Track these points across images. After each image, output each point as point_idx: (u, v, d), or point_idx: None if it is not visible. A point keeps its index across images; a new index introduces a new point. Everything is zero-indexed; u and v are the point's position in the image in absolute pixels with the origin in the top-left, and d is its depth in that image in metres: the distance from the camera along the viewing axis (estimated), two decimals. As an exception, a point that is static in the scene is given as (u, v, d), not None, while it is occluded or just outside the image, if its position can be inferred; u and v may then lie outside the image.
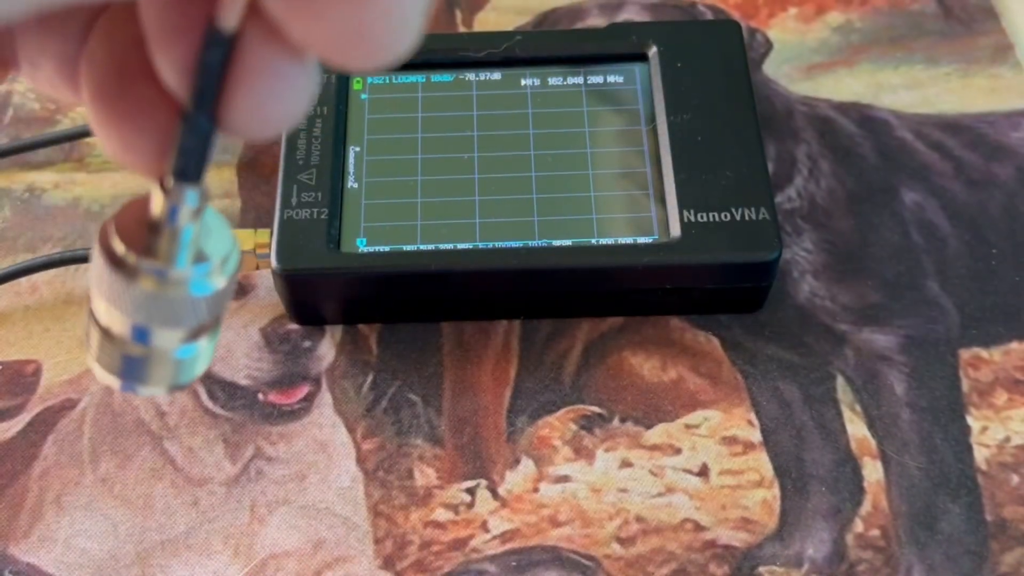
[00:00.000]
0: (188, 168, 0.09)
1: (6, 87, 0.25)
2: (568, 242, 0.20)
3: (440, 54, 0.23)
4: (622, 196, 0.21)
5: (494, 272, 0.20)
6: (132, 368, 0.10)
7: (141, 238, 0.09)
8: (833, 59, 0.26)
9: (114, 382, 0.10)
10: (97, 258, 0.09)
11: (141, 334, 0.10)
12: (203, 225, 0.09)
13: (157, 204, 0.09)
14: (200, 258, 0.09)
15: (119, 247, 0.09)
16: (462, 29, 0.26)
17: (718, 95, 0.22)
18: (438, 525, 0.18)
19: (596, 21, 0.26)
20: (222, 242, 0.10)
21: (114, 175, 0.23)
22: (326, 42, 0.07)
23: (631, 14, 0.26)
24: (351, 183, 0.20)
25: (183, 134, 0.09)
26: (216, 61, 0.08)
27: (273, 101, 0.08)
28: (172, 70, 0.09)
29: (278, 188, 0.20)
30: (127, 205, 0.10)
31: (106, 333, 0.10)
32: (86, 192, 0.23)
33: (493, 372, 0.21)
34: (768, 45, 0.26)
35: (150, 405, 0.19)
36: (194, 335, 0.10)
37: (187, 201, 0.09)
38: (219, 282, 0.10)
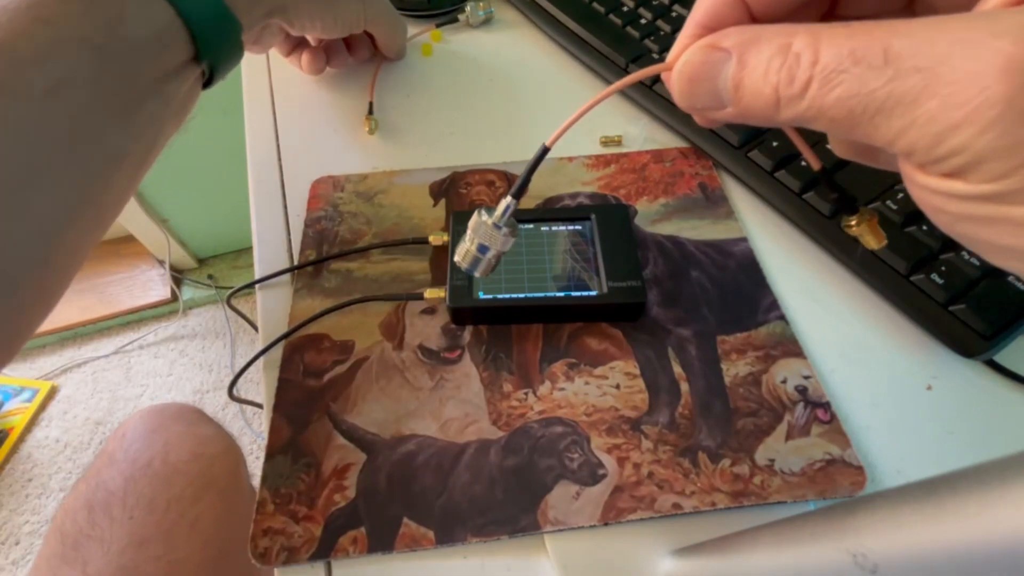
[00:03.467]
0: (517, 193, 0.20)
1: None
2: (562, 294, 0.26)
3: None
4: (583, 275, 0.27)
5: (533, 306, 0.26)
6: (473, 264, 0.21)
7: (490, 214, 0.21)
8: (661, 217, 0.31)
9: (467, 268, 0.21)
10: (475, 217, 0.21)
11: (482, 248, 0.21)
12: (509, 218, 0.21)
13: (503, 204, 0.20)
14: (508, 226, 0.21)
15: (486, 217, 0.21)
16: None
17: (618, 233, 0.28)
18: (512, 407, 0.25)
19: (568, 202, 0.32)
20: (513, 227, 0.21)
21: (386, 265, 0.30)
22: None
23: (583, 199, 0.32)
24: None
25: (523, 176, 0.19)
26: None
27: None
28: None
29: (448, 269, 0.27)
30: (486, 206, 0.21)
31: (468, 251, 0.21)
32: (372, 271, 0.29)
33: (532, 344, 0.27)
34: (635, 211, 0.31)
35: (397, 358, 0.26)
36: (496, 256, 0.21)
37: (512, 205, 0.20)
38: (504, 236, 0.21)
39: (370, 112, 0.38)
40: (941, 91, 0.09)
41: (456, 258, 0.21)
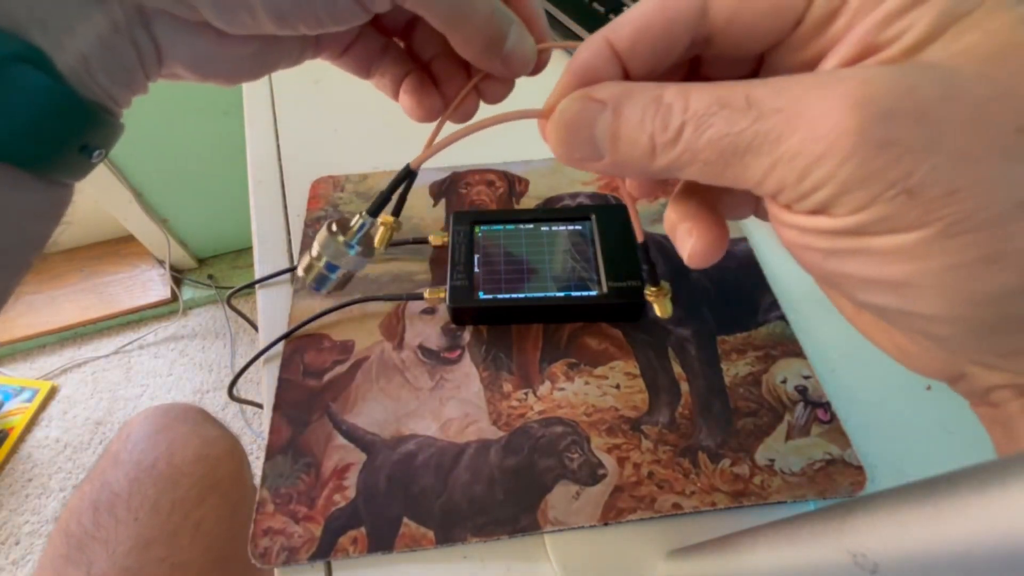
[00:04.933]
0: (373, 211, 0.16)
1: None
2: (562, 294, 0.26)
3: (509, 217, 0.29)
4: (583, 275, 0.27)
5: (533, 306, 0.26)
6: (319, 281, 0.17)
7: (344, 230, 0.17)
8: (661, 218, 0.27)
9: (311, 284, 0.17)
10: (324, 231, 0.17)
11: (330, 266, 0.17)
12: (364, 236, 0.17)
13: (357, 219, 0.17)
14: (362, 244, 0.17)
15: (336, 231, 0.17)
16: (516, 207, 0.32)
17: (618, 233, 0.28)
18: (512, 407, 0.25)
19: (568, 202, 0.32)
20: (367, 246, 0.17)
21: (385, 265, 0.29)
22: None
23: (583, 199, 0.32)
24: (476, 269, 0.27)
25: (382, 193, 0.15)
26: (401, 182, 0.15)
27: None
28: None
29: (448, 269, 0.27)
30: (340, 219, 0.17)
31: (313, 265, 0.17)
32: (371, 271, 0.29)
33: (532, 344, 0.27)
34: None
35: (397, 358, 0.26)
36: (345, 276, 0.17)
37: (367, 223, 0.16)
38: (356, 256, 0.17)
39: (395, 212, 0.19)
40: (801, 127, 0.10)
41: (299, 271, 0.18)
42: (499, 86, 0.18)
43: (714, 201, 0.15)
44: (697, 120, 0.11)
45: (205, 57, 0.15)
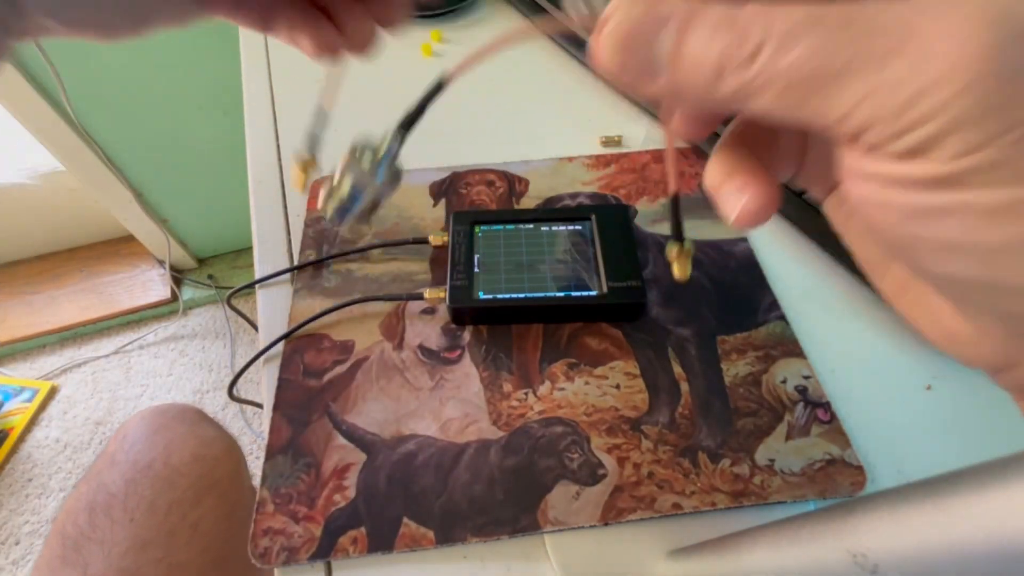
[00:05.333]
0: (407, 125, 0.14)
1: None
2: (562, 294, 0.26)
3: (509, 216, 0.30)
4: (583, 275, 0.27)
5: (533, 306, 0.26)
6: (341, 213, 0.15)
7: (370, 151, 0.14)
8: (661, 218, 0.31)
9: (332, 221, 0.15)
10: (348, 155, 0.15)
11: (355, 194, 0.14)
12: (394, 158, 0.14)
13: (386, 137, 0.14)
14: (390, 167, 0.15)
15: (361, 152, 0.14)
16: (516, 207, 0.32)
17: (618, 233, 0.28)
18: (512, 407, 0.25)
19: (568, 202, 0.32)
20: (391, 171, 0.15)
21: (385, 265, 0.29)
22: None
23: (583, 199, 0.32)
24: (476, 269, 0.27)
25: (414, 108, 0.13)
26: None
27: None
28: None
29: (448, 269, 0.27)
30: (363, 141, 0.15)
31: (333, 192, 0.15)
32: (371, 271, 0.29)
33: (532, 344, 0.27)
34: (635, 211, 0.31)
35: (397, 358, 0.26)
36: (371, 205, 0.15)
37: (396, 144, 0.14)
38: (383, 183, 0.14)
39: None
40: (911, 48, 0.08)
41: (319, 204, 0.16)
42: (393, 9, 0.18)
43: (765, 153, 0.13)
44: (781, 38, 0.09)
45: (65, 3, 0.14)
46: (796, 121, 0.09)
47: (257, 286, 0.29)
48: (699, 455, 0.23)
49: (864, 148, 0.09)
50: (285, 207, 0.33)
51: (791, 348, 0.26)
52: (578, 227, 0.29)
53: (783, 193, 0.12)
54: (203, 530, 0.33)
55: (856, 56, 0.08)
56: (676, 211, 0.15)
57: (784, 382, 0.25)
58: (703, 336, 0.27)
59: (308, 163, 0.17)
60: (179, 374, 1.09)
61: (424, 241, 0.30)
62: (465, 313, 0.27)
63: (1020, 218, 0.08)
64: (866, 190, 0.10)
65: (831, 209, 0.13)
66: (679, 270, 0.16)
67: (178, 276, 1.22)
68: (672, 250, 0.16)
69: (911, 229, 0.09)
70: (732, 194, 0.12)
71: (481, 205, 0.32)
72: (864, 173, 0.09)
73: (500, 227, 0.29)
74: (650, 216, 0.32)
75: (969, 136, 0.08)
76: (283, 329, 0.27)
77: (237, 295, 0.31)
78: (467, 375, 0.26)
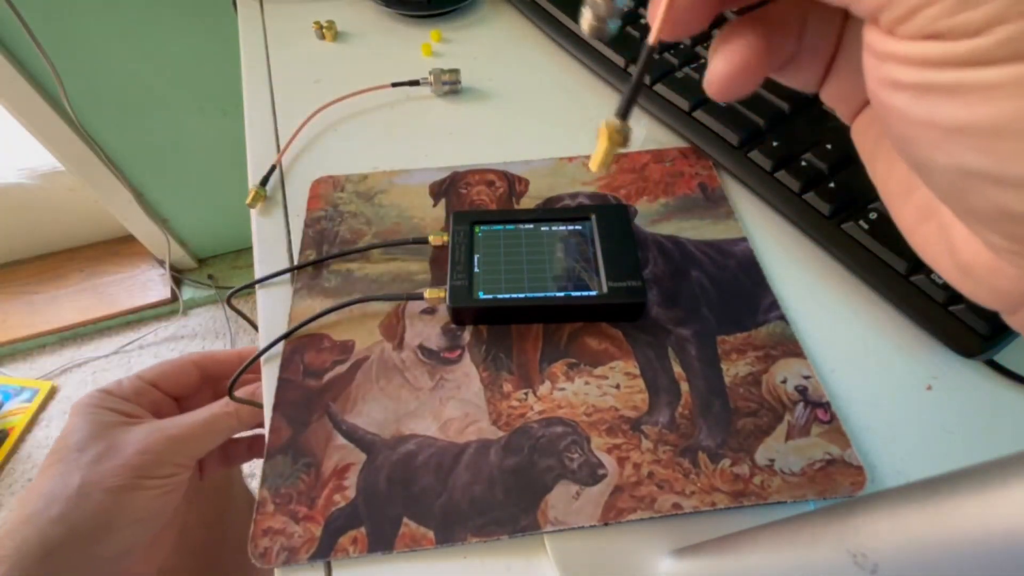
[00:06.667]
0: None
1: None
2: (562, 294, 0.26)
3: (509, 216, 0.29)
4: (583, 275, 0.27)
5: (533, 306, 0.26)
6: (600, 32, 0.16)
7: None
8: (661, 218, 0.31)
9: (599, 33, 0.16)
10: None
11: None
12: None
13: None
14: None
15: None
16: (516, 207, 0.32)
17: (618, 233, 0.28)
18: (512, 407, 0.25)
19: (568, 202, 0.32)
20: None
21: (385, 265, 0.29)
22: None
23: (583, 199, 0.32)
24: (476, 269, 0.27)
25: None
26: None
27: None
28: None
29: (448, 269, 0.27)
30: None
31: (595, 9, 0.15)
32: (372, 271, 0.29)
33: (532, 344, 0.27)
34: (635, 211, 0.32)
35: (397, 358, 0.26)
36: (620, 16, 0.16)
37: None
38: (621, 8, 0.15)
39: (262, 182, 0.32)
40: None
41: (584, 24, 0.16)
42: None
43: (783, 37, 0.12)
44: None
45: None
46: None
47: (257, 286, 0.29)
48: (699, 455, 0.23)
49: (883, 27, 0.09)
50: (285, 207, 0.33)
51: (791, 348, 0.26)
52: (578, 227, 0.29)
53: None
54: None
55: None
56: (641, 73, 0.13)
57: (784, 382, 0.25)
58: (703, 336, 0.27)
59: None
60: (179, 374, 1.08)
61: (424, 241, 0.30)
62: (465, 313, 0.27)
63: (1016, 95, 0.08)
64: (883, 71, 0.10)
65: (858, 133, 0.13)
66: (596, 158, 0.14)
67: (178, 276, 1.22)
68: (602, 127, 0.13)
69: (919, 110, 0.09)
70: (712, 59, 0.12)
71: (481, 205, 0.32)
72: (883, 52, 0.09)
73: (500, 227, 0.29)
74: (650, 216, 0.32)
75: (984, 11, 0.08)
76: (283, 329, 0.27)
77: (237, 295, 0.31)
78: (467, 375, 0.26)
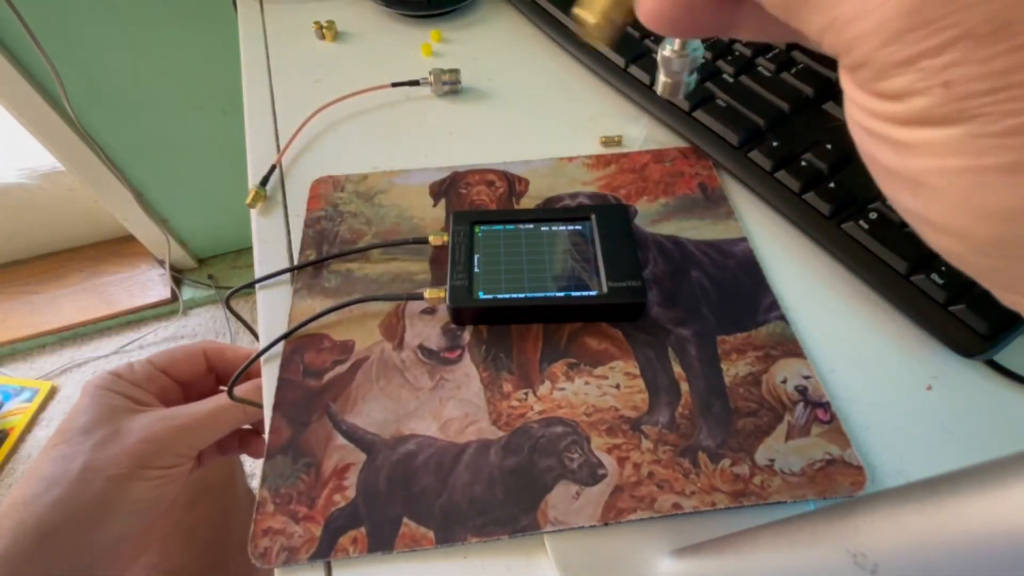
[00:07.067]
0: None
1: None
2: (562, 294, 0.26)
3: (509, 216, 0.30)
4: (583, 275, 0.27)
5: (533, 306, 0.26)
6: (675, 88, 0.19)
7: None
8: (661, 218, 0.31)
9: (676, 90, 0.20)
10: (667, 48, 0.19)
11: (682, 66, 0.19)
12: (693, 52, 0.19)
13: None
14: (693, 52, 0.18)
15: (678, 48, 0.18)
16: (516, 207, 0.32)
17: (618, 233, 0.28)
18: (512, 407, 0.25)
19: (568, 202, 0.32)
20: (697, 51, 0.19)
21: (385, 265, 0.29)
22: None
23: (583, 199, 0.32)
24: (476, 269, 0.27)
25: None
26: None
27: None
28: None
29: (448, 269, 0.27)
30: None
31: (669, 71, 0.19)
32: (371, 271, 0.29)
33: (532, 344, 0.27)
34: (635, 211, 0.32)
35: (397, 357, 0.26)
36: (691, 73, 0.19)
37: (698, 46, 0.18)
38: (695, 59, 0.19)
39: (262, 182, 0.33)
40: None
41: (659, 90, 0.20)
42: None
43: None
44: None
45: None
46: (793, 26, 0.10)
47: (257, 286, 0.29)
48: (699, 455, 0.23)
49: (841, 65, 0.10)
50: (285, 207, 0.33)
51: (791, 348, 0.26)
52: (578, 227, 0.29)
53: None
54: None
55: None
56: None
57: (784, 382, 0.25)
58: (703, 336, 0.27)
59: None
60: (179, 374, 1.08)
61: (424, 241, 0.30)
62: (465, 313, 0.27)
63: (934, 154, 0.08)
64: (846, 101, 0.10)
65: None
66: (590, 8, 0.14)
67: (178, 276, 1.22)
68: None
69: (869, 148, 0.10)
70: None
71: (481, 205, 0.32)
72: (843, 81, 0.10)
73: (500, 227, 0.29)
74: (650, 216, 0.32)
75: (897, 83, 0.08)
76: (283, 329, 0.27)
77: (237, 295, 0.31)
78: (467, 375, 0.26)
